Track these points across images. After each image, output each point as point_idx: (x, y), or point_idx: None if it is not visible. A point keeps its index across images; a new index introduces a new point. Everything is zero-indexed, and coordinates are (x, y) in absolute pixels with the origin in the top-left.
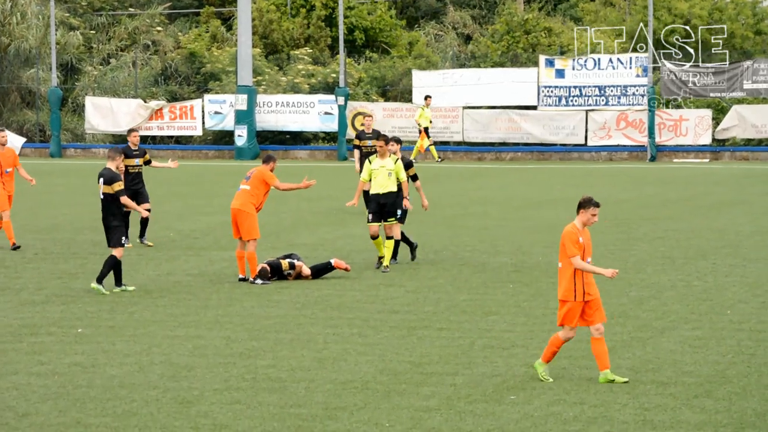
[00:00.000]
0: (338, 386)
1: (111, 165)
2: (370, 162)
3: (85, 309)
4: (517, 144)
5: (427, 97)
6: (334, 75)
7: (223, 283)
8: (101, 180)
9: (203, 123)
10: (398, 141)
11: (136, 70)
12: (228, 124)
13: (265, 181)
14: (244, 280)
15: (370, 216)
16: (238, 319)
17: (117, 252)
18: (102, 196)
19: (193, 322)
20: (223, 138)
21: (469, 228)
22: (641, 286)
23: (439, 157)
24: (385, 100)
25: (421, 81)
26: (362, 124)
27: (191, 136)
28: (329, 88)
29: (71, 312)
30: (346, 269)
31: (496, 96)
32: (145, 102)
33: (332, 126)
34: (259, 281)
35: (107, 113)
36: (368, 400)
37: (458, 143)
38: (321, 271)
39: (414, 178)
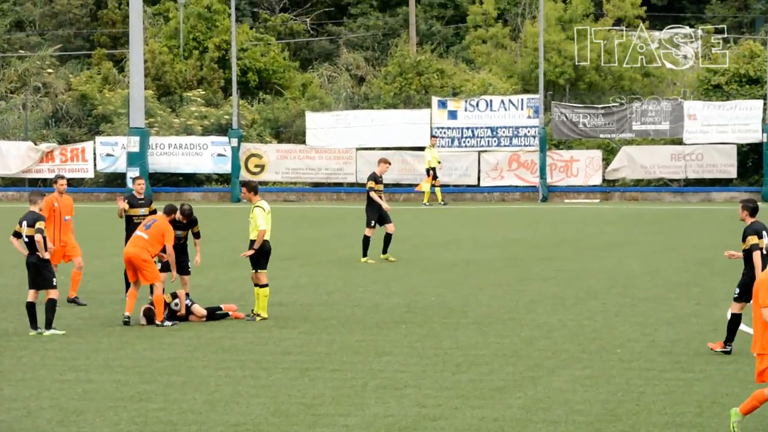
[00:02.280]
0: (230, 428)
1: (34, 208)
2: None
3: None
4: (411, 185)
5: (433, 137)
6: (227, 117)
7: (114, 326)
8: (24, 223)
9: (95, 165)
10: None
11: (26, 112)
12: (120, 166)
13: (163, 236)
14: (128, 320)
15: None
16: (129, 362)
17: (53, 293)
18: (27, 240)
19: (83, 365)
20: (116, 180)
21: (362, 269)
22: (532, 326)
23: (443, 201)
24: (279, 142)
25: (315, 122)
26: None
27: (83, 179)
28: (222, 129)
29: None
30: (237, 317)
31: (390, 137)
32: (36, 144)
33: (225, 168)
34: (167, 323)
35: None
36: None
37: (351, 184)
38: (214, 315)
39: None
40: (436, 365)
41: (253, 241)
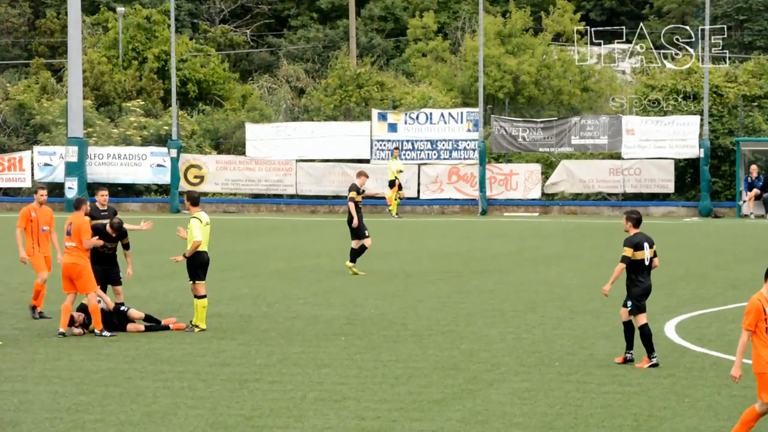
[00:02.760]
0: None
1: None
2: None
3: None
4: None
5: (395, 148)
6: (166, 127)
7: (51, 337)
8: None
9: (32, 175)
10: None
11: None
12: (58, 176)
13: (81, 232)
14: (63, 335)
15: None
16: (66, 374)
17: None
18: None
19: (20, 376)
20: (54, 190)
21: (302, 280)
22: (472, 338)
23: (397, 213)
24: (219, 153)
25: (255, 134)
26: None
27: (20, 188)
28: (162, 140)
29: None
30: (178, 328)
31: (330, 149)
32: None
33: (165, 178)
34: (106, 333)
35: None
36: None
37: (291, 196)
38: (152, 327)
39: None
40: (375, 377)
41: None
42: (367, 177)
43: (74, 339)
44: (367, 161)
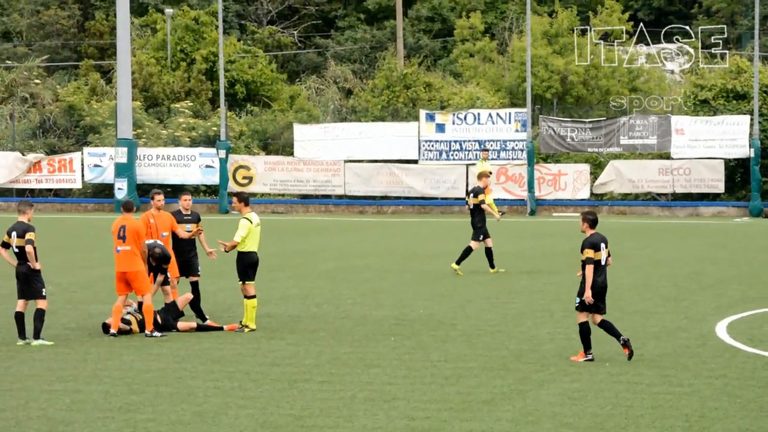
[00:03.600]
0: None
1: (22, 218)
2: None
3: None
4: (399, 197)
5: (484, 150)
6: (215, 128)
7: (102, 337)
8: (13, 234)
9: (83, 176)
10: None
11: (13, 122)
12: (108, 177)
13: (139, 235)
14: (115, 335)
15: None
16: (118, 373)
17: (42, 303)
18: (16, 250)
19: (72, 376)
20: (103, 191)
21: (351, 281)
22: (521, 339)
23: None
24: (267, 154)
25: (303, 134)
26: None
27: (70, 189)
28: (210, 141)
29: None
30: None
31: (378, 150)
32: (23, 155)
33: (213, 179)
34: (156, 333)
35: None
36: None
37: (340, 196)
38: (207, 328)
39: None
40: (425, 378)
41: (240, 253)
42: (488, 176)
43: (125, 339)
44: (415, 162)
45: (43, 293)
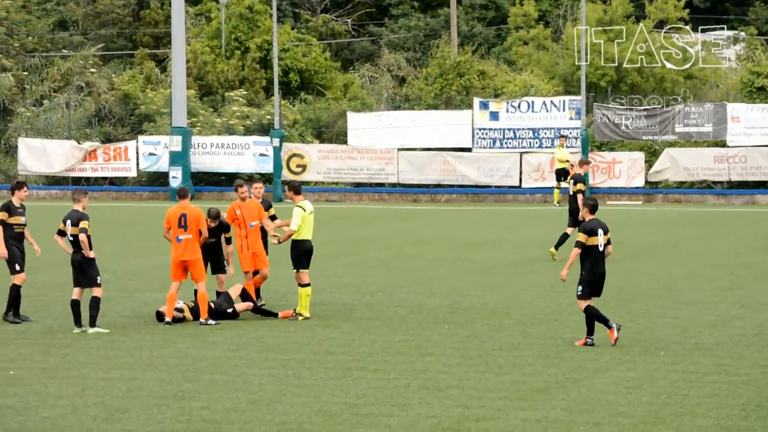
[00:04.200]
0: (273, 428)
1: (77, 207)
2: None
3: (18, 351)
4: (452, 186)
5: (561, 136)
6: (269, 117)
7: (157, 325)
8: (68, 222)
9: (137, 164)
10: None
11: (69, 111)
12: (163, 165)
13: (199, 222)
14: (169, 323)
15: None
16: (173, 361)
17: (97, 291)
18: (71, 238)
19: (127, 363)
20: (158, 179)
21: (405, 269)
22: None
23: (558, 202)
24: (321, 142)
25: (356, 123)
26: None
27: (125, 178)
28: (264, 129)
29: (3, 354)
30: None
31: (431, 138)
32: (79, 143)
33: (267, 168)
34: (211, 321)
35: (40, 154)
36: None
37: (393, 185)
38: (263, 312)
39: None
40: (479, 366)
41: (294, 241)
42: (589, 163)
43: (180, 327)
44: (468, 150)
45: (98, 281)
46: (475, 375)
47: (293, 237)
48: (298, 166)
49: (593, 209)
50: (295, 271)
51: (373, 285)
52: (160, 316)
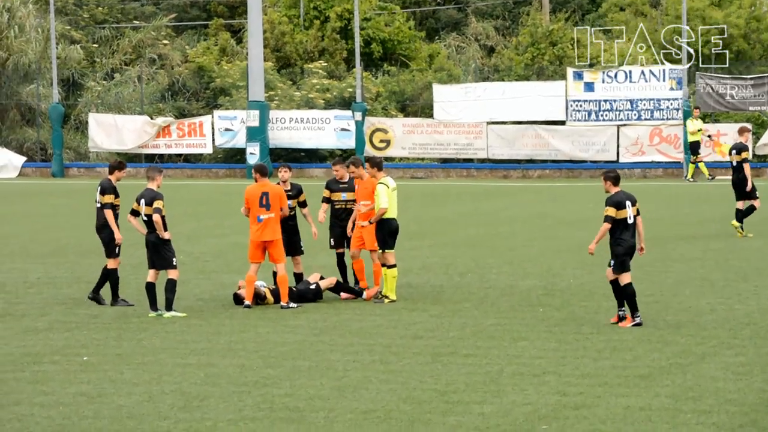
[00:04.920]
0: (359, 416)
1: (151, 185)
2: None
3: (91, 336)
4: (545, 161)
5: (695, 108)
6: (350, 89)
7: (235, 308)
8: (142, 201)
9: (213, 140)
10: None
11: (141, 85)
12: (239, 141)
13: (281, 200)
14: (249, 307)
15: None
16: (253, 346)
17: (173, 273)
18: (145, 218)
19: (205, 349)
20: (234, 156)
21: (496, 249)
22: (678, 309)
23: (710, 175)
24: (405, 116)
25: (443, 95)
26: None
27: (200, 154)
28: (345, 103)
29: (76, 339)
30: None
31: (522, 111)
32: (152, 119)
33: (349, 143)
34: (293, 305)
35: (112, 130)
36: (391, 430)
37: (482, 160)
38: (347, 288)
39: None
40: (577, 351)
41: (381, 220)
42: (749, 131)
43: (259, 310)
44: (562, 123)
45: (174, 263)
46: (572, 360)
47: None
48: (381, 141)
49: (616, 181)
50: (380, 251)
51: (462, 266)
52: (238, 299)
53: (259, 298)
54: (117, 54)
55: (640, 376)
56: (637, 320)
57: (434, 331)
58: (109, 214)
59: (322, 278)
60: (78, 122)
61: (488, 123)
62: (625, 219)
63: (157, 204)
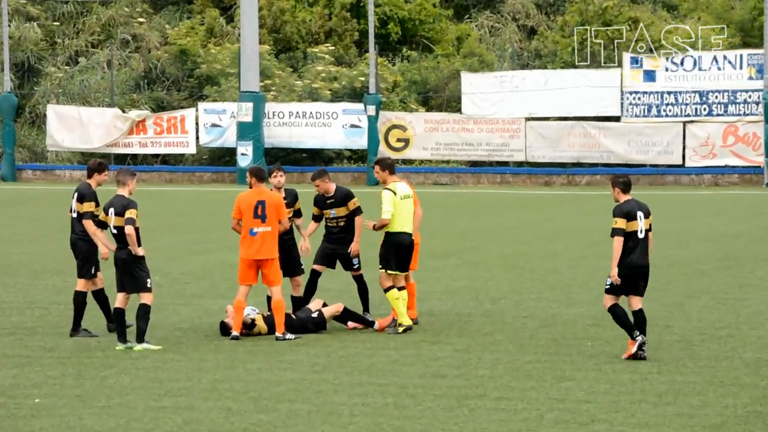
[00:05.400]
0: None
1: (122, 191)
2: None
3: (45, 373)
4: (595, 164)
5: None
6: (362, 78)
7: (221, 340)
8: (111, 211)
9: (197, 138)
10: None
11: (112, 71)
12: (229, 139)
13: (279, 212)
14: (237, 338)
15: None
16: (241, 386)
17: (147, 298)
18: (115, 231)
19: (184, 389)
20: (222, 157)
21: (535, 270)
22: (758, 345)
23: None
24: (428, 110)
25: (473, 85)
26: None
27: (182, 155)
28: (356, 94)
29: (27, 377)
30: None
31: (568, 104)
32: (124, 112)
33: (360, 142)
34: (290, 336)
35: (75, 125)
36: None
37: (520, 164)
38: (355, 317)
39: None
40: (633, 394)
41: (387, 233)
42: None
43: (250, 343)
44: (616, 119)
45: (149, 285)
46: (627, 406)
47: (386, 228)
48: (398, 140)
49: (626, 187)
50: (382, 270)
51: (494, 290)
52: (225, 329)
53: (246, 327)
54: (82, 34)
55: (711, 426)
56: (639, 340)
57: (460, 369)
58: (89, 224)
59: (325, 305)
60: (34, 115)
61: (527, 119)
62: (635, 232)
63: (129, 214)
